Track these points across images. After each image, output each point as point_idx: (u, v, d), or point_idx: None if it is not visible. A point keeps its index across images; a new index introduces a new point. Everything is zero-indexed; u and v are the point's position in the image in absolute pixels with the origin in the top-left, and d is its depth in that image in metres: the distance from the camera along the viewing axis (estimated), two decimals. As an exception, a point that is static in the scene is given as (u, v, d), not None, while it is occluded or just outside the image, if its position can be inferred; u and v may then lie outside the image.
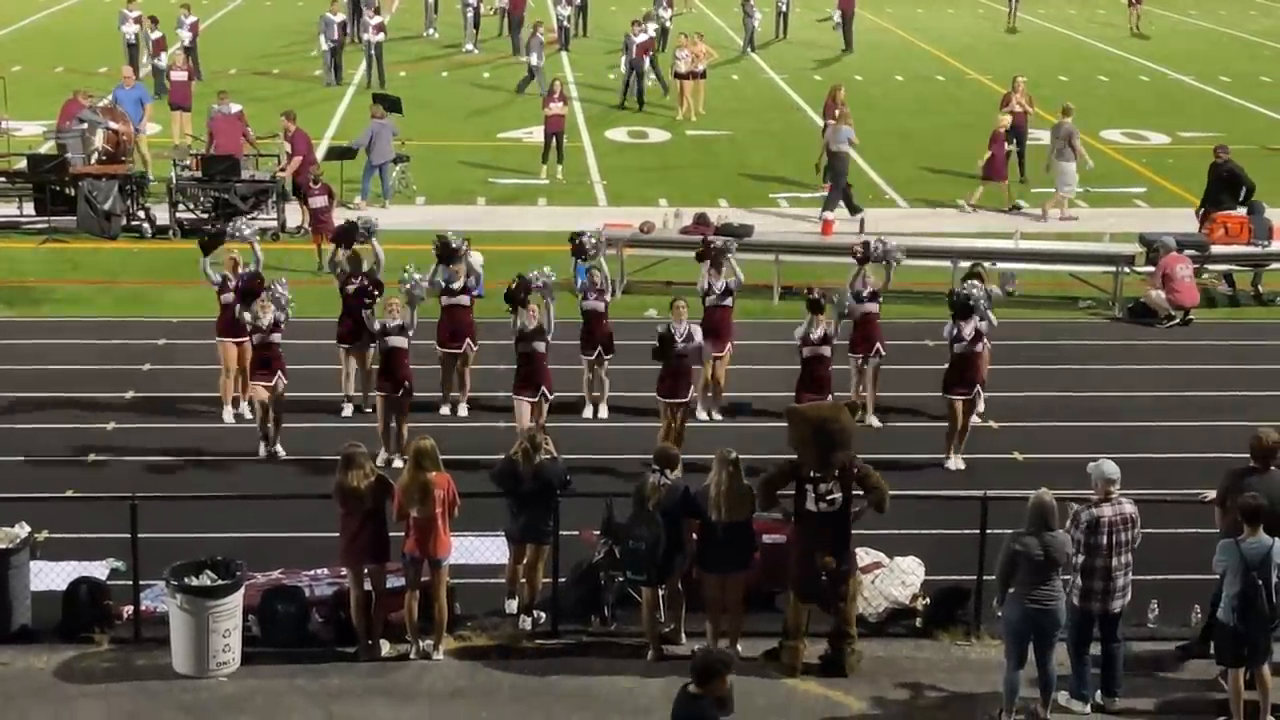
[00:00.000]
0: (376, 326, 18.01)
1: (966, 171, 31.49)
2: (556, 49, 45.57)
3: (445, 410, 19.30)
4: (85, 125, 27.71)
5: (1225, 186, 26.07)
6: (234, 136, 28.16)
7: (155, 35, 37.33)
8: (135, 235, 26.80)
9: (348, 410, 19.32)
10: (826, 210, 27.33)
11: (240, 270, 19.12)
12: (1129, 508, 13.19)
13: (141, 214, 27.10)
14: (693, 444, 17.24)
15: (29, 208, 27.20)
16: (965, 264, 23.72)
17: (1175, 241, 24.26)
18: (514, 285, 18.03)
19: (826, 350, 18.23)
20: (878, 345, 19.19)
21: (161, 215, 27.06)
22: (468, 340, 19.27)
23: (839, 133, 28.62)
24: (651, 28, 40.01)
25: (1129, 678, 13.51)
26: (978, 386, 18.32)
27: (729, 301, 19.43)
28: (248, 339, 18.39)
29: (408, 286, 18.07)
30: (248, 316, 18.07)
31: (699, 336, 18.15)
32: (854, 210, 27.84)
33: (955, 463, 18.18)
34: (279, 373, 18.00)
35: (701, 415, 19.22)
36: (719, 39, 46.15)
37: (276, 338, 18.04)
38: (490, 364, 19.76)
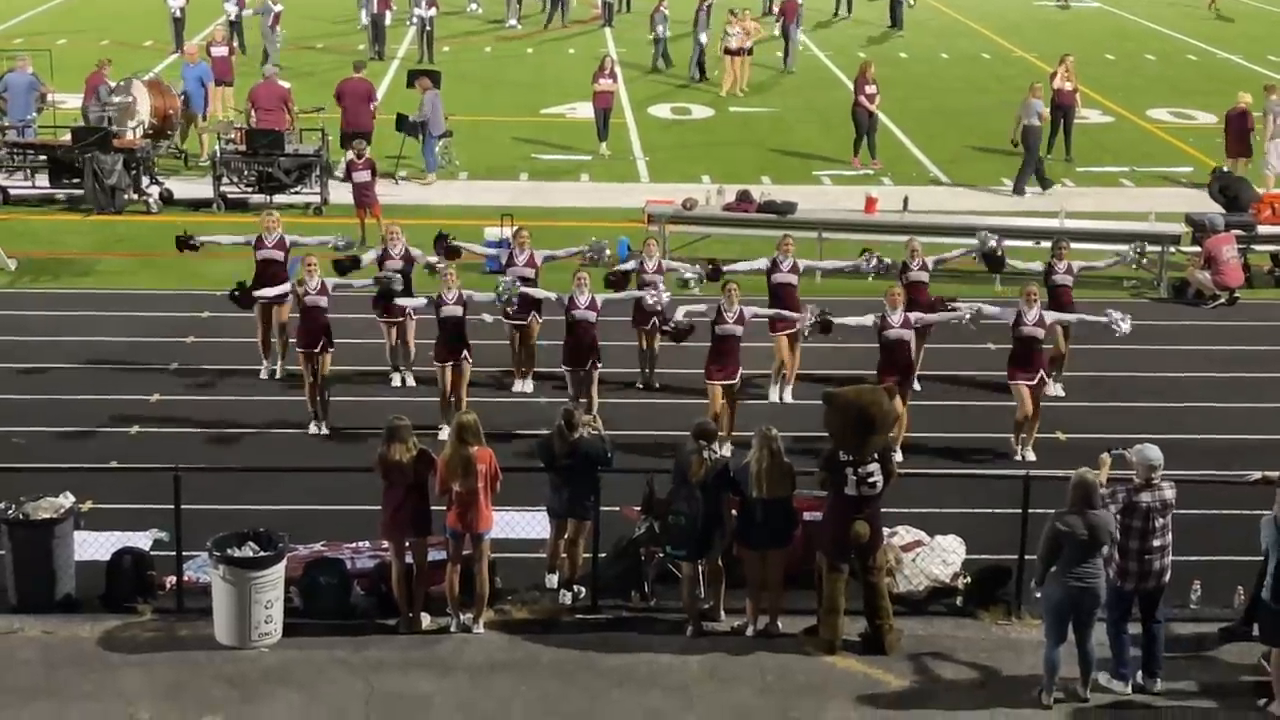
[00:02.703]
0: (434, 298, 18.06)
1: (1010, 149, 31.36)
2: (600, 25, 45.54)
3: (519, 386, 19.36)
4: (119, 99, 27.89)
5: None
6: (275, 107, 28.19)
7: (277, 8, 37.57)
8: (142, 209, 26.88)
9: (396, 380, 19.43)
10: (1018, 188, 28.54)
11: (277, 229, 19.50)
12: (1169, 493, 13.11)
13: (155, 189, 27.17)
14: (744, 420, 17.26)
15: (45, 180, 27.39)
16: (1011, 243, 23.67)
17: (1223, 221, 24.10)
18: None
19: (908, 334, 17.65)
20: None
21: (206, 189, 27.20)
22: (533, 314, 19.23)
23: (1029, 106, 28.70)
24: None
25: (1170, 658, 13.44)
26: (1042, 373, 17.81)
27: (794, 279, 19.26)
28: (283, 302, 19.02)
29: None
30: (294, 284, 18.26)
31: (749, 315, 17.78)
32: (1045, 185, 28.71)
33: (1024, 453, 17.67)
34: (324, 342, 18.07)
35: (773, 397, 19.18)
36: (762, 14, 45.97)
37: (324, 301, 18.14)
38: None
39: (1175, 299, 23.72)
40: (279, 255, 19.51)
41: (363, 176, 24.76)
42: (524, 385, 19.39)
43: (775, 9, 39.48)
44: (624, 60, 38.81)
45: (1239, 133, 28.94)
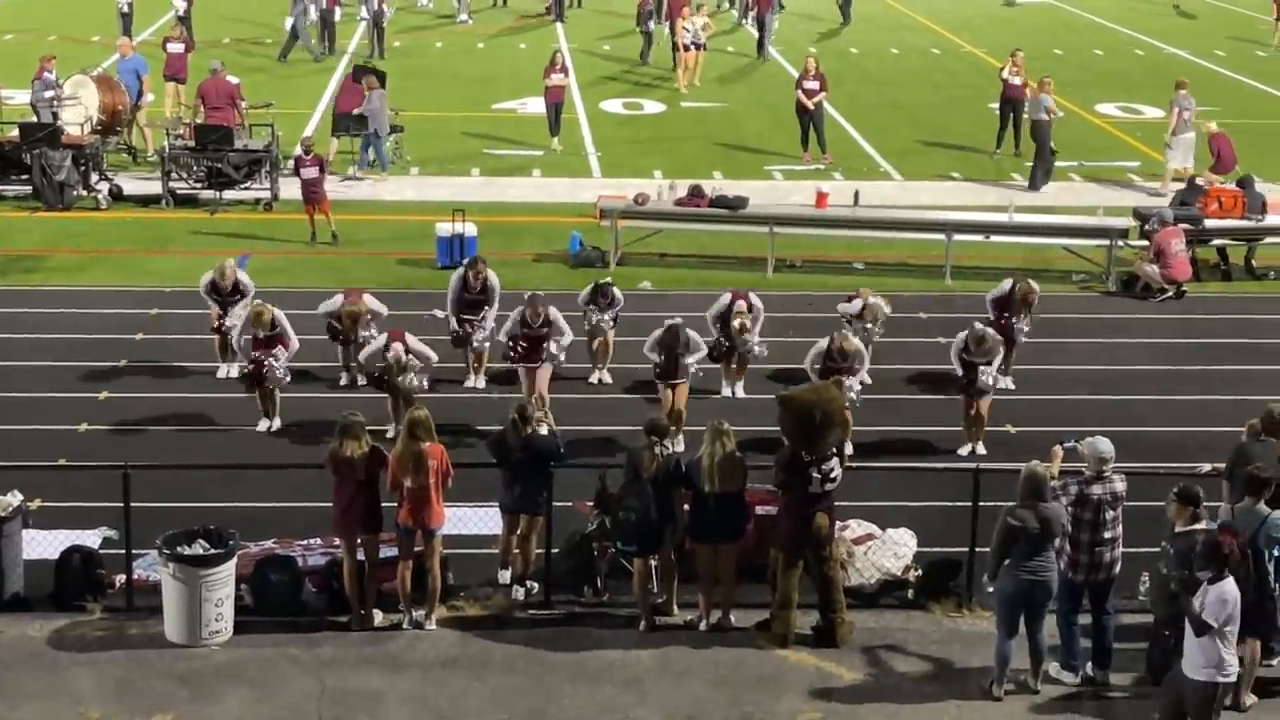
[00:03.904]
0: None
1: (960, 144, 31.55)
2: (550, 20, 45.52)
3: (471, 381, 19.27)
4: (51, 93, 27.71)
5: None
6: (224, 104, 28.01)
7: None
8: (92, 206, 26.68)
9: (344, 380, 19.33)
10: (1033, 183, 28.70)
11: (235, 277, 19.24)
12: (1120, 486, 13.20)
13: (104, 185, 26.96)
14: (696, 415, 17.26)
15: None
16: (960, 237, 23.87)
17: (1171, 215, 24.25)
18: None
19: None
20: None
21: (155, 185, 27.01)
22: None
23: (1036, 101, 28.86)
24: None
25: (1120, 649, 13.51)
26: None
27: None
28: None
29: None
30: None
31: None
32: (1036, 182, 28.76)
33: (974, 447, 17.77)
34: (279, 347, 17.95)
35: (724, 392, 19.15)
36: (714, 10, 46.01)
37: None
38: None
39: (1123, 292, 23.86)
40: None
41: (310, 173, 24.64)
42: (476, 381, 19.36)
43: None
44: (576, 53, 38.76)
45: (1225, 154, 28.17)
